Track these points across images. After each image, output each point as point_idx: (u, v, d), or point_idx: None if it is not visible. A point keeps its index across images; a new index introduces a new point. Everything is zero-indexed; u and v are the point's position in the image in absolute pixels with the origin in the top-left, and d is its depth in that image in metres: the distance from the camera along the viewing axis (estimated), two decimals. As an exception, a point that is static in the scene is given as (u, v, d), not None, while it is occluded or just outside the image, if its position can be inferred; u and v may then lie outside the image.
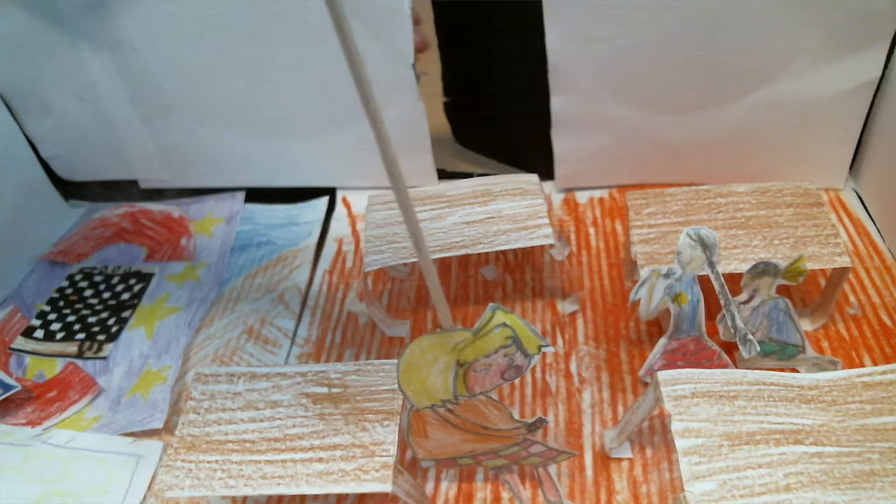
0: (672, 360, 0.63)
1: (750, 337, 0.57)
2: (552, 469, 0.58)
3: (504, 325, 0.47)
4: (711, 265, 0.59)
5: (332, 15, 0.36)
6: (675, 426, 0.48)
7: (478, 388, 0.50)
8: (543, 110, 0.79)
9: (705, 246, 0.58)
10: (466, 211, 0.70)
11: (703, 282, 0.60)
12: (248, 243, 0.86)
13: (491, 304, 0.48)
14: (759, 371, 0.52)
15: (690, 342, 0.62)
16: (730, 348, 0.64)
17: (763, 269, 0.61)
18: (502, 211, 0.69)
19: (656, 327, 0.70)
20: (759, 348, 0.57)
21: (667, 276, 0.60)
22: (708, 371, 0.51)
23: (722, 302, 0.59)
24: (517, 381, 0.67)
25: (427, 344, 0.48)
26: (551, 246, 0.68)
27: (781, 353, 0.64)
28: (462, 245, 0.66)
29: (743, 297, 0.62)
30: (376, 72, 0.76)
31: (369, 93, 0.39)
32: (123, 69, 0.81)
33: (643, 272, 0.60)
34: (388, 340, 0.73)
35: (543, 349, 0.48)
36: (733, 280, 0.61)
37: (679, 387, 0.50)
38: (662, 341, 0.62)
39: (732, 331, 0.58)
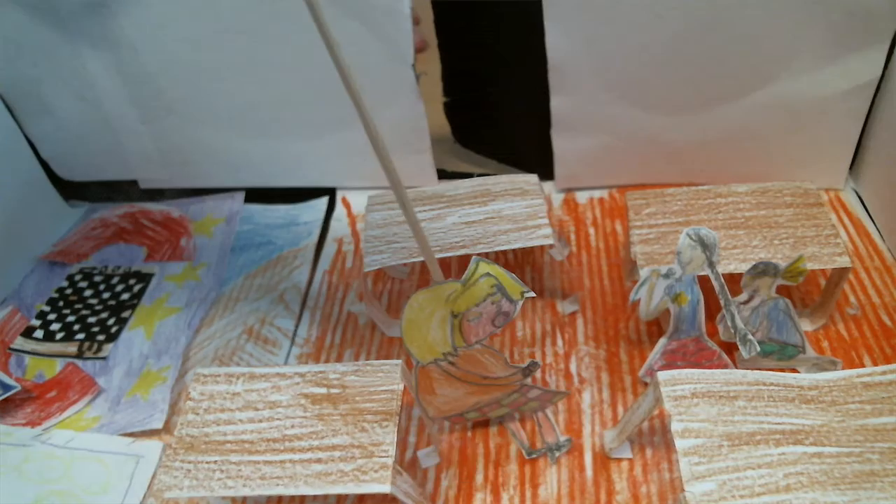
0: (672, 361, 0.63)
1: (750, 337, 0.57)
2: (550, 414, 0.63)
3: (488, 274, 0.51)
4: (711, 265, 0.59)
5: (316, 24, 0.37)
6: (675, 426, 0.48)
7: (473, 338, 0.54)
8: (543, 110, 0.79)
9: (705, 246, 0.58)
10: (466, 211, 0.70)
11: (703, 282, 0.60)
12: (247, 243, 0.86)
13: (474, 257, 0.51)
14: (758, 371, 0.52)
15: (690, 342, 0.62)
16: (730, 348, 0.64)
17: (763, 270, 0.60)
18: (502, 211, 0.69)
19: (656, 327, 0.70)
20: (758, 348, 0.57)
21: (667, 276, 0.60)
22: (708, 371, 0.51)
23: (722, 302, 0.58)
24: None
25: (423, 299, 0.52)
26: (551, 246, 0.68)
27: (781, 353, 0.64)
28: (462, 245, 0.66)
29: (743, 297, 0.62)
30: (376, 72, 0.77)
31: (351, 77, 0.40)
32: (123, 69, 0.81)
33: (643, 272, 0.60)
34: (387, 340, 0.73)
35: (526, 295, 0.52)
36: (733, 280, 0.61)
37: (679, 387, 0.50)
38: (662, 341, 0.62)
39: (732, 331, 0.58)
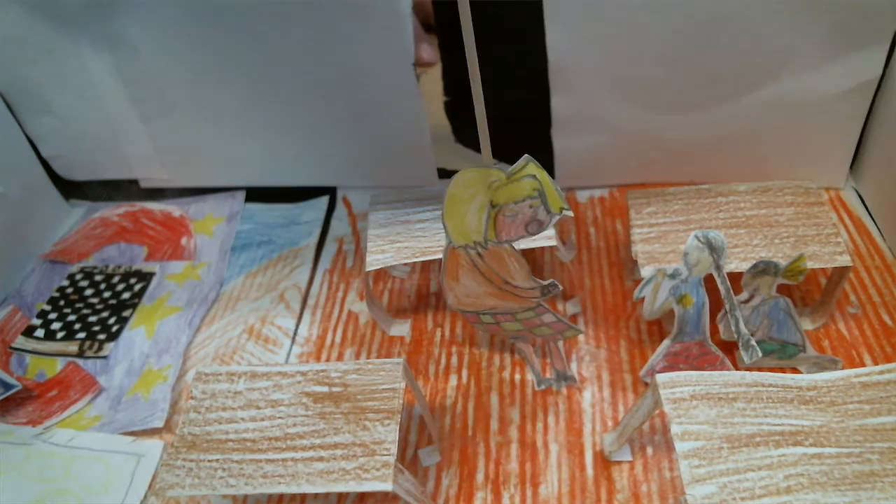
0: (674, 363, 0.63)
1: (752, 343, 0.57)
2: (560, 346, 0.64)
3: (533, 176, 0.51)
4: (718, 268, 0.59)
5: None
6: (675, 429, 0.48)
7: (504, 235, 0.54)
8: (544, 109, 0.79)
9: (713, 249, 0.58)
10: None
11: (709, 284, 0.60)
12: (248, 242, 0.86)
13: (525, 155, 0.51)
14: (757, 372, 0.52)
15: (694, 346, 0.62)
16: (729, 347, 0.64)
17: (763, 269, 0.61)
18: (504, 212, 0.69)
19: (657, 327, 0.70)
20: (760, 354, 0.56)
21: (672, 276, 0.60)
22: (707, 373, 0.51)
23: (727, 307, 0.58)
24: (518, 381, 0.67)
25: (469, 177, 0.52)
26: (554, 248, 0.68)
27: (782, 353, 0.64)
28: (463, 245, 0.66)
29: (743, 296, 0.62)
30: (377, 71, 0.77)
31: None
32: (124, 69, 0.81)
33: (648, 271, 0.60)
34: (388, 339, 0.73)
35: (565, 212, 0.51)
36: (733, 279, 0.61)
37: (678, 389, 0.50)
38: (665, 343, 0.62)
39: (736, 336, 0.58)
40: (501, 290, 0.57)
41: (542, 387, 0.63)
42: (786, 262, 0.60)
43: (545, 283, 0.57)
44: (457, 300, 0.60)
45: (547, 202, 0.51)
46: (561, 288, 0.57)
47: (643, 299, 0.61)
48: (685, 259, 0.59)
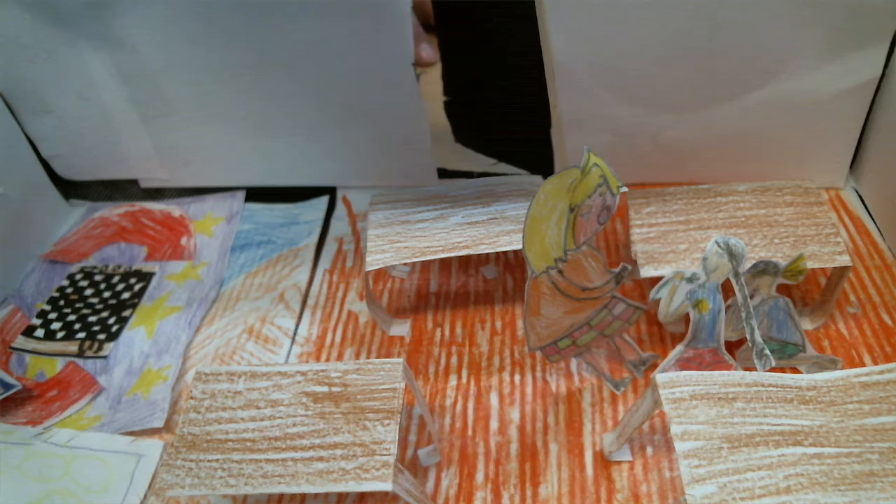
0: (686, 369, 0.63)
1: (767, 352, 0.56)
2: (626, 337, 0.65)
3: (596, 165, 0.51)
4: (737, 276, 0.58)
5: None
6: (675, 429, 0.48)
7: (582, 237, 0.55)
8: (543, 109, 0.79)
9: (732, 255, 0.58)
10: (469, 211, 0.70)
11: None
12: (248, 242, 0.86)
13: (586, 146, 0.51)
14: (757, 372, 0.52)
15: (707, 353, 0.62)
16: (730, 347, 0.64)
17: (763, 268, 0.61)
18: (505, 212, 0.69)
19: (657, 327, 0.70)
20: (774, 363, 0.56)
21: (690, 280, 0.59)
22: (706, 373, 0.51)
23: (743, 315, 0.58)
24: (518, 381, 0.67)
25: (550, 188, 0.52)
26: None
27: (782, 352, 0.64)
28: (464, 245, 0.66)
29: None
30: (377, 71, 0.77)
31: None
32: (124, 69, 0.81)
33: (666, 272, 0.60)
34: (388, 339, 0.73)
35: (621, 189, 0.51)
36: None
37: (677, 389, 0.50)
38: (679, 348, 0.62)
39: (751, 344, 0.57)
40: (580, 301, 0.58)
41: (622, 389, 0.64)
42: (785, 262, 0.60)
43: (617, 270, 0.58)
44: (537, 337, 0.60)
45: (610, 185, 0.52)
46: (631, 267, 0.58)
47: (659, 301, 0.61)
48: (704, 263, 0.59)
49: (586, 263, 0.57)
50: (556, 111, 0.52)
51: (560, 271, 0.56)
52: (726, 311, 0.61)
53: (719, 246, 0.58)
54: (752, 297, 0.62)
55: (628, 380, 0.65)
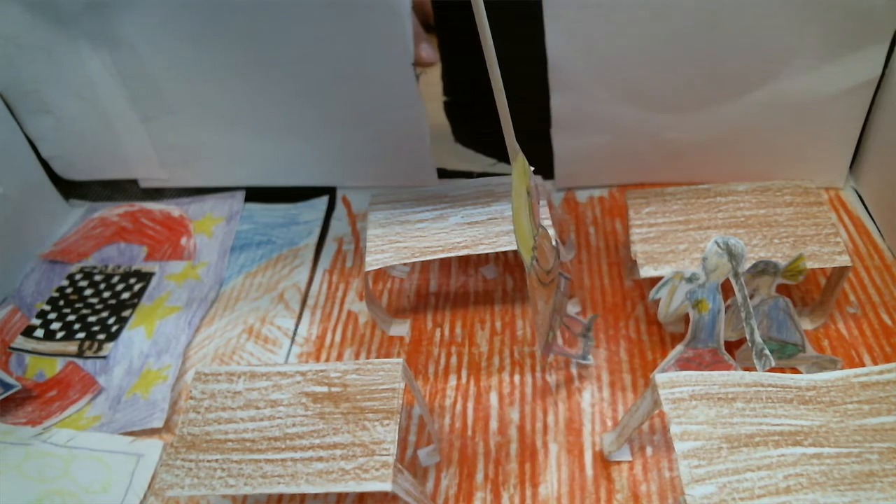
0: (685, 370, 0.63)
1: (767, 352, 0.56)
2: (569, 311, 0.66)
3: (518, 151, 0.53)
4: (736, 275, 0.58)
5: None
6: (674, 429, 0.48)
7: (537, 219, 0.56)
8: (543, 109, 0.79)
9: (732, 255, 0.58)
10: (469, 211, 0.70)
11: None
12: (247, 242, 0.86)
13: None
14: (756, 372, 0.52)
15: (707, 353, 0.62)
16: (730, 347, 0.64)
17: (763, 269, 0.60)
18: (505, 212, 0.69)
19: (657, 327, 0.70)
20: (773, 363, 0.56)
21: (690, 280, 0.59)
22: (706, 373, 0.51)
23: (742, 315, 0.58)
24: (518, 381, 0.67)
25: (515, 177, 0.52)
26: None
27: (781, 352, 0.64)
28: (464, 245, 0.66)
29: None
30: (376, 70, 0.76)
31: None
32: (123, 68, 0.81)
33: (666, 272, 0.60)
34: (388, 339, 0.73)
35: (531, 170, 0.54)
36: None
37: (677, 389, 0.50)
38: (679, 348, 0.62)
39: (750, 344, 0.57)
40: (547, 286, 0.59)
41: (590, 357, 0.66)
42: (785, 262, 0.60)
43: (554, 243, 0.59)
44: (541, 336, 0.60)
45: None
46: (556, 238, 0.60)
47: (659, 301, 0.61)
48: (703, 263, 0.59)
49: (545, 245, 0.57)
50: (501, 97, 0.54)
51: (536, 259, 0.56)
52: (726, 311, 0.62)
53: (719, 246, 0.58)
54: (751, 297, 0.62)
55: (589, 347, 0.66)
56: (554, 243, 0.58)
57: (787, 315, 0.63)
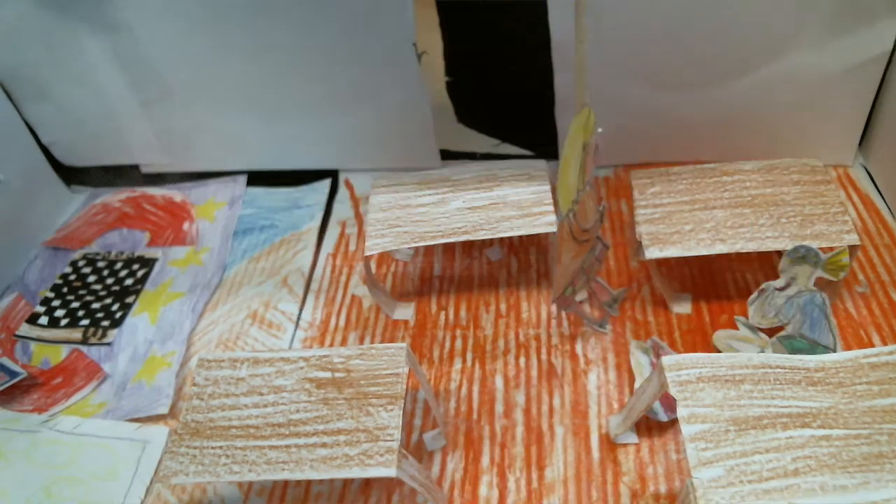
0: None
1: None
2: (599, 279, 0.66)
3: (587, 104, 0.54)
4: None
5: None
6: (681, 412, 0.48)
7: (589, 174, 0.56)
8: (547, 89, 0.78)
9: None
10: (471, 196, 0.69)
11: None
12: (250, 227, 0.86)
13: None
14: (765, 354, 0.51)
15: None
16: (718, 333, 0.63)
17: (804, 255, 0.59)
18: (507, 197, 0.68)
19: (663, 308, 0.69)
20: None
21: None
22: (713, 355, 0.50)
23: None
24: (523, 364, 0.66)
25: (573, 128, 0.54)
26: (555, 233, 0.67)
27: (811, 353, 0.61)
28: (464, 231, 0.66)
29: (780, 282, 0.61)
30: (378, 52, 0.76)
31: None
32: (122, 53, 0.80)
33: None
34: (392, 323, 0.72)
35: (598, 130, 0.55)
36: (738, 259, 0.60)
37: (684, 372, 0.49)
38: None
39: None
40: (581, 244, 0.59)
41: (608, 327, 0.67)
42: (826, 256, 0.59)
43: (601, 208, 0.60)
44: (558, 287, 0.61)
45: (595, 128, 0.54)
46: (607, 206, 0.62)
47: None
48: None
49: (587, 204, 0.58)
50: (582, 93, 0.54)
51: (574, 213, 0.57)
52: (759, 295, 0.62)
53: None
54: (788, 285, 0.60)
55: (608, 317, 0.67)
56: (601, 208, 0.59)
57: (823, 314, 0.60)
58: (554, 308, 0.70)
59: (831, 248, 0.71)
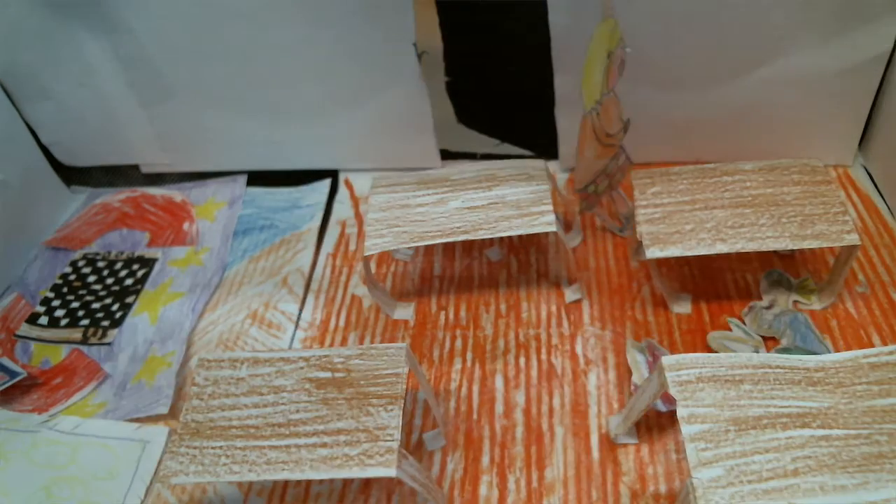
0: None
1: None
2: (619, 190, 0.73)
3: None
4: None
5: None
6: (681, 412, 0.48)
7: (612, 83, 0.62)
8: (547, 89, 0.78)
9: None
10: (470, 195, 0.69)
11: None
12: (250, 227, 0.86)
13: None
14: (764, 354, 0.52)
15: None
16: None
17: (777, 279, 0.65)
18: (506, 196, 0.68)
19: (662, 308, 0.69)
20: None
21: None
22: (713, 355, 0.50)
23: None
24: (523, 364, 0.66)
25: (601, 30, 0.59)
26: (554, 233, 0.67)
27: None
28: (463, 230, 0.66)
29: (764, 303, 0.65)
30: (377, 51, 0.76)
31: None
32: (122, 53, 0.80)
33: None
34: (392, 323, 0.72)
35: (626, 49, 0.60)
36: (739, 258, 0.60)
37: (684, 372, 0.49)
38: None
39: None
40: (605, 146, 0.65)
41: (628, 231, 0.74)
42: (796, 281, 0.66)
43: (625, 119, 0.65)
44: (578, 180, 0.68)
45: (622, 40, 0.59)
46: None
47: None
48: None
49: (612, 109, 0.62)
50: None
51: (598, 113, 0.61)
52: (749, 311, 0.66)
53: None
54: (770, 307, 0.65)
55: (627, 223, 0.74)
56: (626, 120, 0.64)
57: (810, 329, 0.64)
58: (579, 196, 0.73)
59: (831, 249, 0.71)
